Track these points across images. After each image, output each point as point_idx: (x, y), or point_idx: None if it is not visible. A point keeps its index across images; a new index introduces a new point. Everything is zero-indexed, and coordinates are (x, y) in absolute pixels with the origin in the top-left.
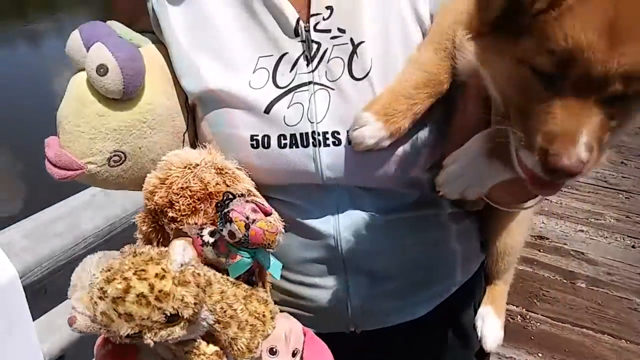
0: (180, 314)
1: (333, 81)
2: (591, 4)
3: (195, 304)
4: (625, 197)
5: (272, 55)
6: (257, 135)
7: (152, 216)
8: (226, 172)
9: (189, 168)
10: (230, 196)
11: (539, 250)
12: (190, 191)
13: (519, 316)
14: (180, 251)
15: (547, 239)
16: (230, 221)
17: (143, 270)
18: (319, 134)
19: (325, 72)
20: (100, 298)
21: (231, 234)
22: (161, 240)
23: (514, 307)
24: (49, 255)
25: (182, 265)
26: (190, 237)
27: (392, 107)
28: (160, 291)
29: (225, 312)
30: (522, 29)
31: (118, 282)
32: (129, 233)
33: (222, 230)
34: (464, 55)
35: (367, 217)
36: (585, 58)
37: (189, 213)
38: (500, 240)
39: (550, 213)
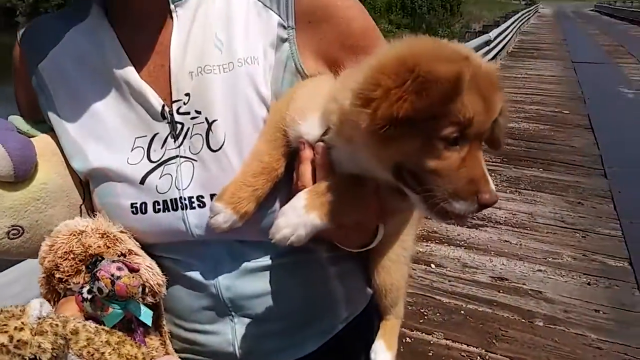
0: (38, 358)
1: (195, 154)
2: (473, 89)
3: (53, 349)
4: (582, 236)
5: (146, 136)
6: (136, 203)
7: (46, 279)
8: (108, 236)
9: (74, 235)
10: (100, 258)
11: (499, 292)
12: (73, 254)
13: (478, 357)
14: (37, 307)
15: (507, 279)
16: (98, 279)
17: (5, 325)
18: (185, 199)
19: (189, 147)
20: None
21: (100, 290)
22: (56, 300)
23: (474, 348)
24: None
25: (39, 318)
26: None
27: (237, 196)
28: (18, 340)
29: (92, 355)
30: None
31: None
32: None
33: (92, 287)
34: (294, 128)
35: (245, 265)
36: (479, 120)
37: (72, 274)
38: (379, 277)
39: (510, 255)
